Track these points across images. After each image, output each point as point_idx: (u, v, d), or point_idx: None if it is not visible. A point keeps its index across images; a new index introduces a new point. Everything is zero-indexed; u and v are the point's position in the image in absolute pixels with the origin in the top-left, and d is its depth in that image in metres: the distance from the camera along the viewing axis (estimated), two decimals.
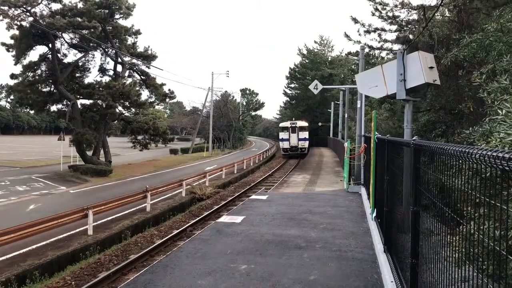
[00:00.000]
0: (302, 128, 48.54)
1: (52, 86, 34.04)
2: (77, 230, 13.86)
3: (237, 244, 8.55)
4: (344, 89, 40.35)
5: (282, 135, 48.89)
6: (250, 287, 6.15)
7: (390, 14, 16.24)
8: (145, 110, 40.54)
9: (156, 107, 64.42)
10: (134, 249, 12.97)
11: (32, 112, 77.68)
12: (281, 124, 52.18)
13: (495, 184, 2.09)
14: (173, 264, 7.29)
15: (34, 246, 12.16)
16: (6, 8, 29.11)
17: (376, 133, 9.24)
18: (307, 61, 75.35)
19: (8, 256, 11.33)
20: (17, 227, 11.02)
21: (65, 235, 13.37)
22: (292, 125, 48.57)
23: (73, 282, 10.20)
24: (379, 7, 16.21)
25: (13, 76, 33.23)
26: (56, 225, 12.28)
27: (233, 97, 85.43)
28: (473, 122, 8.56)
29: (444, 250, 3.04)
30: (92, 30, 31.81)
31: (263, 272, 6.76)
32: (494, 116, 4.60)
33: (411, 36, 14.79)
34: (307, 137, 48.73)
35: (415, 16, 15.67)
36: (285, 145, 48.60)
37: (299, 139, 48.04)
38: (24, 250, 11.80)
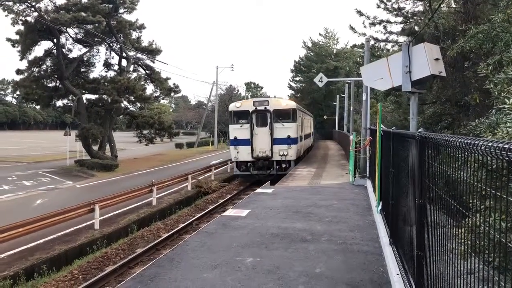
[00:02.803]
0: (282, 114, 23.23)
1: (58, 81, 34.19)
2: (84, 224, 13.95)
3: (242, 237, 8.57)
4: (349, 81, 40.16)
5: (235, 130, 23.33)
6: (256, 280, 6.17)
7: (395, 5, 16.11)
8: (150, 104, 40.57)
9: (161, 101, 64.62)
10: (141, 243, 13.04)
11: (38, 107, 78.21)
12: (234, 106, 24.25)
13: (502, 176, 2.07)
14: (179, 258, 7.32)
15: (41, 241, 12.25)
16: (11, 3, 29.18)
17: (382, 125, 9.21)
18: (312, 54, 74.96)
19: (16, 250, 11.42)
20: (25, 222, 11.11)
21: (72, 229, 13.46)
22: (259, 107, 22.91)
23: (80, 276, 10.29)
24: None
25: (18, 72, 33.37)
26: (63, 219, 12.36)
27: (238, 90, 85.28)
28: (479, 114, 8.49)
29: (450, 242, 3.02)
30: (96, 24, 31.82)
31: (269, 265, 6.78)
32: (501, 105, 4.55)
33: (416, 28, 14.66)
34: (293, 134, 23.15)
35: (420, 8, 15.54)
36: (241, 154, 22.96)
37: (275, 141, 22.69)
38: (31, 245, 11.90)
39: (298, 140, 24.05)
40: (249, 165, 23.04)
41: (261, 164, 22.86)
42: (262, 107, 22.83)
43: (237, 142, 22.96)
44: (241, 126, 23.03)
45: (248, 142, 22.66)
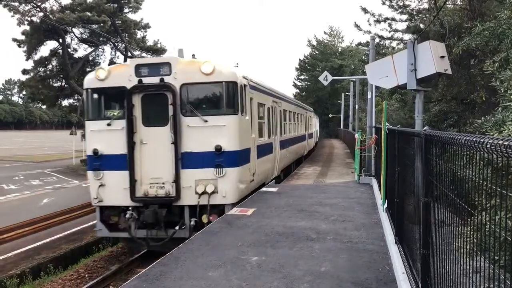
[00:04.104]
0: (203, 95, 10.60)
1: (63, 81, 34.38)
2: (90, 223, 13.99)
3: (247, 236, 8.56)
4: (354, 80, 40.05)
5: (97, 134, 10.50)
6: (261, 278, 6.17)
7: (400, 3, 16.05)
8: None
9: None
10: None
11: (44, 107, 78.69)
12: (93, 79, 10.86)
13: (508, 174, 2.05)
14: (184, 256, 7.33)
15: (48, 240, 12.32)
16: (16, 4, 29.36)
17: (387, 124, 9.17)
18: (317, 52, 74.75)
19: (23, 249, 11.50)
20: (31, 221, 11.20)
21: (78, 228, 13.52)
22: (149, 80, 10.05)
23: (86, 275, 10.35)
24: None
25: (25, 72, 33.59)
26: (69, 218, 12.46)
27: None
28: (485, 112, 8.44)
29: (456, 241, 3.01)
30: (101, 24, 31.95)
31: (274, 264, 6.77)
32: (507, 103, 4.53)
33: (421, 26, 14.57)
34: (231, 144, 10.22)
35: (425, 5, 15.46)
36: (109, 190, 10.21)
37: (187, 159, 9.98)
38: (38, 243, 11.97)
39: (248, 156, 11.70)
40: (127, 216, 10.27)
41: (153, 214, 10.00)
42: (156, 79, 10.26)
43: (100, 161, 10.52)
44: (108, 125, 10.50)
45: (124, 161, 10.24)
